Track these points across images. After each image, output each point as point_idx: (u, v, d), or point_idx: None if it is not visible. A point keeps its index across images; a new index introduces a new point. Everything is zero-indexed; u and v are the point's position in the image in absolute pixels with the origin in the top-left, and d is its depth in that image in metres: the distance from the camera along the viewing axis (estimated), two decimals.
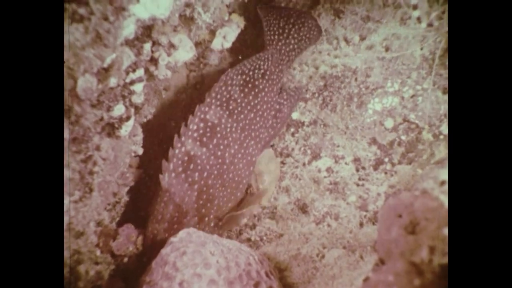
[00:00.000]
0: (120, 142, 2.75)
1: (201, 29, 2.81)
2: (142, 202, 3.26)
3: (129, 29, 2.31)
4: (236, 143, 3.09)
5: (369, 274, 1.86)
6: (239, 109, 3.11)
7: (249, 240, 3.28)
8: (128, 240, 2.81)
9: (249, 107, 3.16)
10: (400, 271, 1.64)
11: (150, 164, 3.33)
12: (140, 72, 2.58)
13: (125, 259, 2.82)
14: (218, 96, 3.08)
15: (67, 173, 2.16)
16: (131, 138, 2.91)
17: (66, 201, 2.11)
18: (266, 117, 3.27)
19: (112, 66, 2.27)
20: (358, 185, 3.28)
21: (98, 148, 2.54)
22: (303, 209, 3.30)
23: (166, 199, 2.92)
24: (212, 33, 3.00)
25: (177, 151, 2.94)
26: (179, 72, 3.17)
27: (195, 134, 2.97)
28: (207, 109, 3.03)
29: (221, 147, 3.02)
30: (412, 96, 3.23)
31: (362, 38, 3.41)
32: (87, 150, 2.39)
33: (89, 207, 2.46)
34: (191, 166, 2.93)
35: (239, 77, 3.17)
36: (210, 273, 2.35)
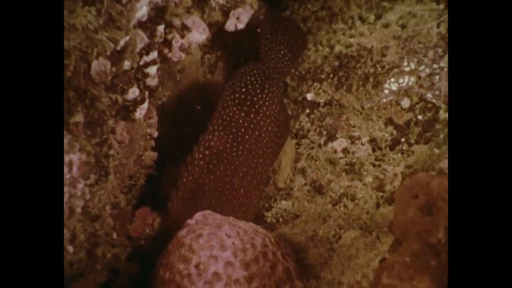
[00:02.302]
0: (135, 125, 2.75)
1: (214, 11, 2.80)
2: (158, 184, 3.27)
3: (142, 11, 2.30)
4: (244, 166, 3.05)
5: (385, 255, 1.87)
6: (243, 130, 3.04)
7: (265, 222, 3.29)
8: (144, 223, 2.83)
9: (252, 126, 3.08)
10: (416, 252, 1.63)
11: (165, 147, 3.33)
12: (153, 55, 2.57)
13: (142, 242, 2.84)
14: (219, 122, 3.02)
15: (82, 157, 2.16)
16: (146, 121, 2.91)
17: (80, 184, 2.11)
18: (271, 130, 3.19)
19: (125, 48, 2.26)
20: (374, 165, 3.26)
21: (113, 131, 2.55)
22: (319, 190, 3.29)
23: (174, 227, 2.82)
24: (226, 14, 2.98)
25: (184, 179, 2.92)
26: (193, 54, 3.15)
27: (202, 162, 2.94)
28: (210, 136, 2.99)
29: (229, 172, 2.99)
30: (429, 75, 3.19)
31: (378, 17, 3.38)
32: (102, 134, 2.40)
33: (105, 190, 2.47)
34: (199, 194, 2.92)
35: (233, 96, 3.08)
36: (226, 255, 2.36)
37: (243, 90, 3.09)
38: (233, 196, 3.03)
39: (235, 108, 3.05)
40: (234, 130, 3.02)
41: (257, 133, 3.09)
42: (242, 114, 3.05)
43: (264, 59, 3.26)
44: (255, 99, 3.10)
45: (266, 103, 3.14)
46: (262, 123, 3.11)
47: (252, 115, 3.07)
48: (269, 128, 3.16)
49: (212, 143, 2.98)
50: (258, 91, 3.12)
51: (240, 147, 3.02)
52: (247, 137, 3.05)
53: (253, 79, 3.14)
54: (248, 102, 3.07)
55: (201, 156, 2.95)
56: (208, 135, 2.99)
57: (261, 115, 3.11)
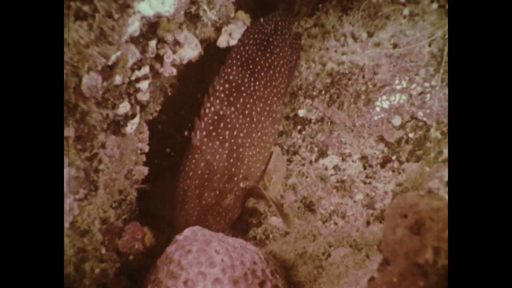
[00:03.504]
0: (125, 140, 2.75)
1: (206, 27, 2.80)
2: (149, 199, 3.26)
3: (134, 26, 2.30)
4: (261, 101, 3.16)
5: (374, 274, 1.86)
6: (259, 67, 3.18)
7: (255, 238, 3.28)
8: (133, 238, 2.81)
9: (267, 64, 3.23)
10: (404, 272, 1.62)
11: (156, 162, 3.32)
12: (145, 70, 2.57)
13: (131, 257, 2.82)
14: (238, 56, 3.18)
15: (72, 171, 2.15)
16: (137, 136, 2.90)
17: (69, 199, 2.10)
18: (283, 72, 3.34)
19: (117, 63, 2.26)
20: (365, 183, 3.26)
21: (103, 146, 2.54)
22: (310, 207, 3.29)
23: (197, 156, 2.99)
24: (218, 30, 2.99)
25: (207, 110, 3.01)
26: (185, 69, 3.15)
27: (222, 95, 3.05)
28: (229, 70, 3.12)
29: (248, 105, 3.09)
30: (420, 94, 3.20)
31: (370, 35, 3.39)
32: (92, 148, 2.39)
33: (94, 205, 2.46)
34: (221, 125, 3.00)
35: (255, 36, 3.27)
36: (215, 271, 2.35)
37: (262, 30, 3.31)
38: (253, 130, 3.13)
39: (253, 47, 3.23)
40: (251, 66, 3.17)
41: (271, 72, 3.26)
42: (259, 53, 3.23)
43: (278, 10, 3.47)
44: (270, 39, 3.30)
45: (280, 45, 3.34)
46: (276, 63, 3.29)
47: (267, 55, 3.25)
48: (282, 69, 3.34)
49: (231, 77, 3.11)
50: (272, 32, 3.33)
51: (257, 83, 3.16)
52: (263, 74, 3.20)
53: (269, 22, 3.37)
54: (264, 42, 3.27)
55: (221, 88, 3.08)
56: (227, 68, 3.14)
57: (275, 55, 3.29)
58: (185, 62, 2.82)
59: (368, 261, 2.60)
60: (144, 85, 2.60)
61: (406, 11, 3.28)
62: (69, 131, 2.14)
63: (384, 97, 3.27)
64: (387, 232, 1.82)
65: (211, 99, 3.04)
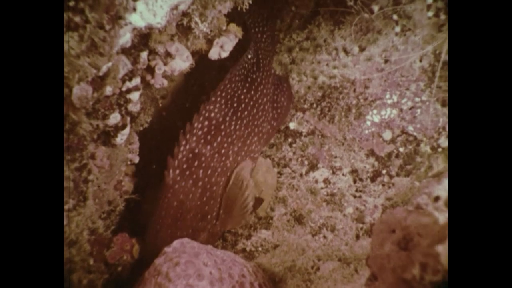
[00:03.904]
0: (115, 151, 2.74)
1: (198, 39, 2.80)
2: (138, 210, 3.25)
3: (125, 38, 2.30)
4: (240, 141, 3.11)
5: None
6: (243, 105, 3.15)
7: (244, 250, 3.27)
8: (122, 249, 2.80)
9: (251, 102, 3.20)
10: (391, 287, 1.62)
11: (146, 173, 3.31)
12: (136, 81, 2.56)
13: (119, 268, 2.81)
14: (223, 94, 3.12)
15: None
16: (127, 147, 2.90)
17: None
18: (267, 110, 3.30)
19: (107, 74, 2.26)
20: (355, 196, 3.26)
21: (93, 157, 2.54)
22: (300, 220, 3.29)
23: (170, 195, 2.92)
24: (210, 42, 2.99)
25: (182, 148, 2.96)
26: (176, 81, 3.16)
27: (200, 132, 2.99)
28: (211, 107, 3.07)
29: (225, 145, 3.04)
30: (411, 108, 3.22)
31: (362, 49, 3.40)
32: (81, 159, 2.38)
33: (83, 215, 2.44)
34: (196, 163, 2.95)
35: (239, 72, 3.24)
36: (203, 284, 2.34)
37: (246, 66, 3.27)
38: (228, 169, 3.07)
39: (239, 84, 3.20)
40: (235, 104, 3.13)
41: (255, 110, 3.21)
42: (244, 90, 3.19)
43: (255, 44, 3.40)
44: (254, 76, 3.26)
45: (263, 81, 3.30)
46: (260, 101, 3.25)
47: (252, 92, 3.22)
48: (265, 107, 3.29)
49: (212, 114, 3.06)
50: (255, 68, 3.30)
51: (239, 121, 3.11)
52: (246, 112, 3.16)
53: (253, 57, 3.33)
54: (248, 79, 3.23)
55: (200, 126, 3.01)
56: (210, 105, 3.08)
57: (259, 93, 3.26)
58: (176, 73, 2.82)
59: (356, 275, 2.60)
60: (135, 96, 2.59)
61: (397, 28, 3.29)
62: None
63: (375, 111, 3.28)
64: (375, 247, 1.82)
65: (187, 136, 2.98)
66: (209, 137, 3.00)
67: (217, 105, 3.08)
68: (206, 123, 3.02)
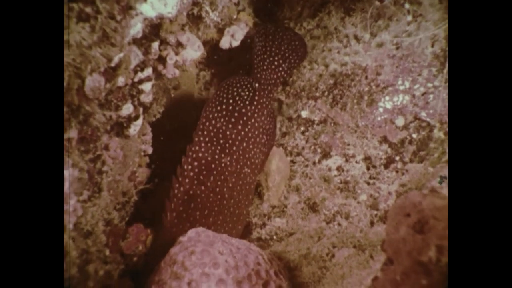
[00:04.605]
0: (129, 142, 2.75)
1: (209, 28, 2.80)
2: (152, 201, 3.26)
3: (136, 28, 2.31)
4: (233, 176, 3.06)
5: (377, 274, 1.85)
6: (230, 141, 3.05)
7: (259, 239, 3.27)
8: (137, 240, 2.81)
9: (240, 137, 3.10)
10: (407, 270, 1.62)
11: (160, 163, 3.32)
12: (148, 71, 2.57)
13: (135, 259, 2.82)
14: (205, 133, 3.01)
15: (75, 173, 2.16)
16: (140, 137, 2.91)
17: (73, 201, 2.10)
18: (259, 141, 3.22)
19: (120, 65, 2.27)
20: (368, 183, 3.25)
21: (107, 148, 2.55)
22: (314, 208, 3.29)
23: (168, 239, 2.85)
24: (220, 31, 2.98)
25: (176, 191, 2.91)
26: (188, 71, 3.16)
27: (192, 173, 2.94)
28: (197, 148, 2.98)
29: (219, 182, 2.99)
30: (423, 94, 3.20)
31: (373, 36, 3.39)
32: (95, 150, 2.40)
33: (98, 206, 2.46)
34: (192, 205, 2.91)
35: (220, 108, 3.07)
36: (218, 272, 2.35)
37: (230, 101, 3.10)
38: (224, 206, 3.03)
39: (222, 120, 3.05)
40: (221, 141, 3.02)
41: (244, 144, 3.11)
42: (230, 126, 3.06)
43: (256, 70, 3.24)
44: (243, 110, 3.11)
45: (255, 115, 3.17)
46: (250, 134, 3.14)
47: (240, 127, 3.09)
48: (257, 139, 3.19)
49: (200, 154, 2.97)
50: (246, 102, 3.14)
51: (228, 158, 3.03)
52: (234, 148, 3.06)
53: (240, 90, 3.14)
54: (235, 114, 3.08)
55: (190, 167, 2.95)
56: (194, 146, 2.98)
57: (249, 126, 3.13)
58: (188, 63, 2.82)
59: (372, 261, 2.60)
60: (147, 86, 2.60)
61: (409, 17, 3.26)
62: (72, 133, 2.15)
63: (387, 98, 3.26)
64: (390, 231, 1.82)
65: (180, 179, 2.92)
66: (201, 177, 2.94)
67: (202, 145, 2.99)
68: (195, 163, 2.95)
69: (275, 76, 3.29)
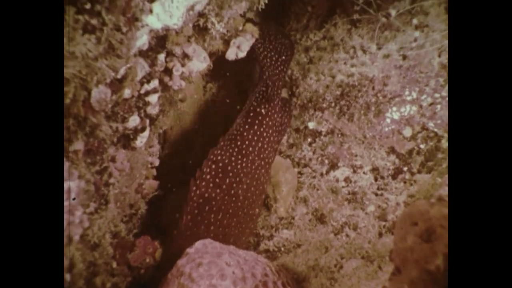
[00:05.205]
0: (135, 153, 2.75)
1: (215, 39, 2.80)
2: (160, 213, 3.26)
3: (142, 40, 2.31)
4: (247, 177, 3.08)
5: (385, 284, 1.84)
6: (247, 142, 3.10)
7: (267, 251, 3.26)
8: (145, 252, 2.81)
9: (256, 137, 3.14)
10: (415, 279, 1.61)
11: (167, 175, 3.33)
12: (154, 83, 2.58)
13: (142, 271, 2.82)
14: (231, 137, 3.10)
15: (81, 185, 2.16)
16: (147, 149, 2.91)
17: (79, 212, 2.10)
18: (273, 140, 3.25)
19: (126, 77, 2.27)
20: (376, 194, 3.24)
21: (113, 160, 2.55)
22: (321, 219, 3.28)
23: (181, 241, 2.83)
24: (226, 43, 2.99)
25: (192, 194, 2.91)
26: (194, 82, 3.16)
27: (208, 176, 2.95)
28: (220, 151, 3.03)
29: (234, 185, 3.01)
30: (431, 104, 3.20)
31: (379, 47, 3.39)
32: (102, 162, 2.40)
33: (105, 218, 2.46)
34: (207, 208, 2.91)
35: (245, 113, 3.18)
36: (226, 284, 2.33)
37: (251, 106, 3.20)
38: (238, 208, 3.04)
39: (240, 121, 3.15)
40: (239, 143, 3.07)
41: (260, 144, 3.15)
42: (247, 127, 3.12)
43: (262, 69, 3.32)
44: (258, 109, 3.18)
45: (269, 113, 3.22)
46: (265, 134, 3.18)
47: (255, 127, 3.15)
48: (271, 138, 3.23)
49: (219, 157, 3.01)
50: (262, 101, 3.21)
51: (244, 159, 3.07)
52: (250, 149, 3.10)
53: (257, 94, 3.23)
54: (251, 114, 3.16)
55: (208, 170, 2.97)
56: (218, 150, 3.03)
57: (264, 126, 3.18)
58: (194, 75, 2.82)
59: (380, 272, 2.59)
60: (153, 98, 2.61)
61: (416, 33, 3.26)
62: (78, 145, 2.15)
63: (394, 108, 3.26)
64: (397, 240, 1.81)
65: (198, 182, 2.94)
66: (217, 180, 2.96)
67: (224, 148, 3.05)
68: (213, 166, 2.98)
69: (277, 71, 3.37)
